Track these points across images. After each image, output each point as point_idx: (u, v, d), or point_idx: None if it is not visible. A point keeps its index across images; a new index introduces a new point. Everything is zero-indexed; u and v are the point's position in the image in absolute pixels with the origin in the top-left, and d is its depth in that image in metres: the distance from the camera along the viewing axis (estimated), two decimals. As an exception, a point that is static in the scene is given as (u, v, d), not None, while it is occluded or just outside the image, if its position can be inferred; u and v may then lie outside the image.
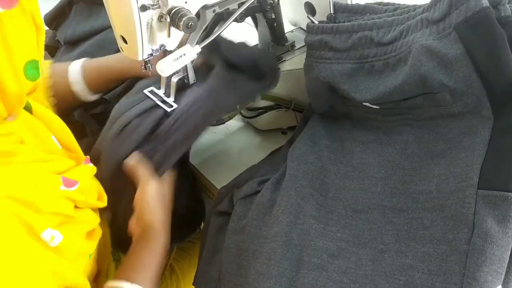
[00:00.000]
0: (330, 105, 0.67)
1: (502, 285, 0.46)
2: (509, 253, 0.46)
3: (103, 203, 0.58)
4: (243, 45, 0.73)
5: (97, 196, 0.57)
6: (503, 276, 0.46)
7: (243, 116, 0.88)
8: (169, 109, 0.67)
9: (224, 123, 0.79)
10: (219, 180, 0.76)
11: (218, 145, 0.86)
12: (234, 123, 0.91)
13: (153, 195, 0.64)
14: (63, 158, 0.55)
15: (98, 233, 0.57)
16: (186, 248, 0.96)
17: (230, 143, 0.87)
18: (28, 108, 0.56)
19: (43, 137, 0.55)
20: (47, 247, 0.46)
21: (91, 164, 0.57)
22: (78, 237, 0.51)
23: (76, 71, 0.75)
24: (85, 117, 0.98)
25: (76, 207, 0.52)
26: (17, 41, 0.44)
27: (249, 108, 0.83)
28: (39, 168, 0.50)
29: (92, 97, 0.79)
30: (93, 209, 0.57)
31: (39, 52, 0.49)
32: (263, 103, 0.81)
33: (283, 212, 0.58)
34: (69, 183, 0.51)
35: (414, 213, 0.53)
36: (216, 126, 0.84)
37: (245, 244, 0.58)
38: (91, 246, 0.54)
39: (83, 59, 0.78)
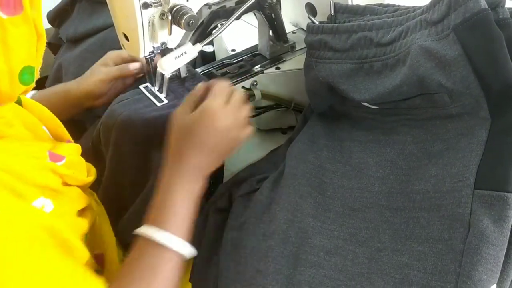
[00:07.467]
0: (329, 105, 0.68)
1: (496, 285, 0.46)
2: (504, 253, 0.47)
3: (92, 177, 0.58)
4: None
5: (86, 173, 0.57)
6: (498, 276, 0.46)
7: (243, 115, 0.88)
8: (158, 104, 0.68)
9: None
10: (219, 178, 0.77)
11: (218, 144, 0.86)
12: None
13: (217, 125, 0.57)
14: (50, 142, 0.55)
15: (91, 215, 0.56)
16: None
17: (229, 142, 0.87)
18: (18, 101, 0.57)
19: (34, 127, 0.55)
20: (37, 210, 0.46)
21: (74, 143, 0.58)
22: (69, 212, 0.51)
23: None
24: (86, 116, 0.99)
25: (65, 184, 0.52)
26: (17, 47, 0.46)
27: (249, 108, 0.83)
28: (26, 145, 0.51)
29: None
30: (84, 190, 0.56)
31: (38, 59, 0.50)
32: (263, 103, 0.82)
33: (281, 210, 0.58)
34: (55, 157, 0.51)
35: (411, 212, 0.53)
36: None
37: (243, 241, 0.59)
38: (83, 225, 0.53)
39: (33, 92, 0.78)
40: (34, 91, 0.78)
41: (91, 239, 0.58)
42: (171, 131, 0.58)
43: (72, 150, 0.56)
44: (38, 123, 0.57)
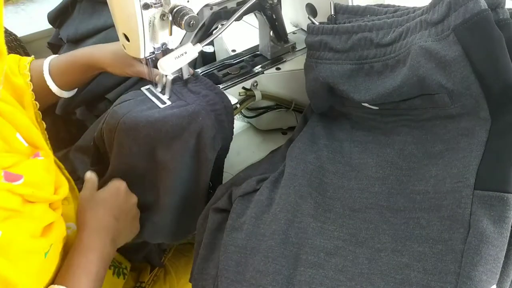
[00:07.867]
0: (329, 106, 0.68)
1: (496, 285, 0.46)
2: (504, 253, 0.47)
3: (60, 196, 0.56)
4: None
5: (54, 189, 0.56)
6: (497, 276, 0.46)
7: (243, 115, 0.88)
8: (161, 105, 0.68)
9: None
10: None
11: (218, 144, 0.87)
12: (235, 123, 0.91)
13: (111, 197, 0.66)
14: (13, 155, 0.53)
15: (58, 230, 0.55)
16: (183, 250, 0.95)
17: (230, 142, 0.88)
18: None
19: (6, 135, 0.54)
20: None
21: (41, 158, 0.56)
22: (24, 234, 0.49)
23: (46, 67, 0.76)
24: (87, 116, 0.99)
25: (27, 201, 0.50)
26: None
27: (250, 108, 0.83)
28: None
29: (66, 94, 0.79)
30: (52, 205, 0.55)
31: None
32: (263, 103, 0.82)
33: (281, 210, 0.58)
34: (11, 177, 0.49)
35: (411, 213, 0.53)
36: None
37: (243, 241, 0.59)
38: (45, 244, 0.52)
39: (52, 56, 0.78)
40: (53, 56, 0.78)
41: (56, 255, 0.56)
42: (79, 209, 0.65)
43: (34, 167, 0.53)
44: (12, 130, 0.55)
